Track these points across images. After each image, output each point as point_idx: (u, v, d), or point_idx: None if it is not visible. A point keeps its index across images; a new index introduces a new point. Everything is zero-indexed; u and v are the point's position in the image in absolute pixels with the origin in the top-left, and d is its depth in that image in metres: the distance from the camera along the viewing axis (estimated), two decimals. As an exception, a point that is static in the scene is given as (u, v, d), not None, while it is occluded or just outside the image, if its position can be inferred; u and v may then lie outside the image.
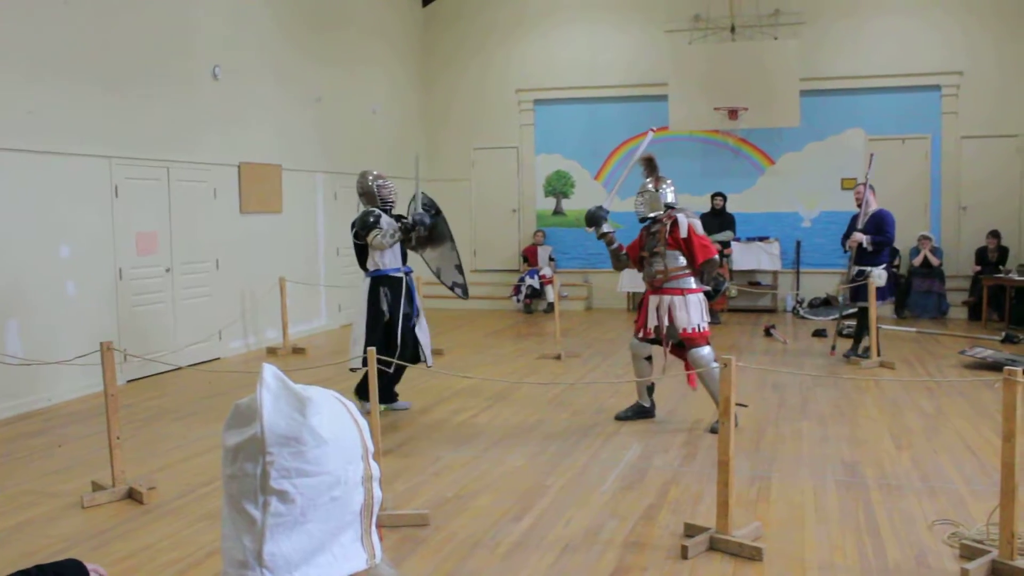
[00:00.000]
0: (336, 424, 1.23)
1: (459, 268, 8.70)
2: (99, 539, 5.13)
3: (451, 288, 8.70)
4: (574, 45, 16.02)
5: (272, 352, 11.41)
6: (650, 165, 7.79)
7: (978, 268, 14.07)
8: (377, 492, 1.31)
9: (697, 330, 7.28)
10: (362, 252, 8.06)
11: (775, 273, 15.22)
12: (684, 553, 4.72)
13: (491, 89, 16.53)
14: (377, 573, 1.29)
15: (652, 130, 8.36)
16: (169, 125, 10.25)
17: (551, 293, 14.55)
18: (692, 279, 7.40)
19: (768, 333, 12.44)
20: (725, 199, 14.78)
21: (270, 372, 1.23)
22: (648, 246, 7.57)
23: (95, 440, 6.99)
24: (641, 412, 7.76)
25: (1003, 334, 11.91)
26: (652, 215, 7.61)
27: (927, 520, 5.23)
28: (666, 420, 7.75)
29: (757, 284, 15.30)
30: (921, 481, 5.99)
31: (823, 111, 14.90)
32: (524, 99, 16.42)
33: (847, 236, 10.40)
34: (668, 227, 7.41)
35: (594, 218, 7.71)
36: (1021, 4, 14.23)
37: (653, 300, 7.46)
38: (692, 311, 7.31)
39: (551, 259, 15.97)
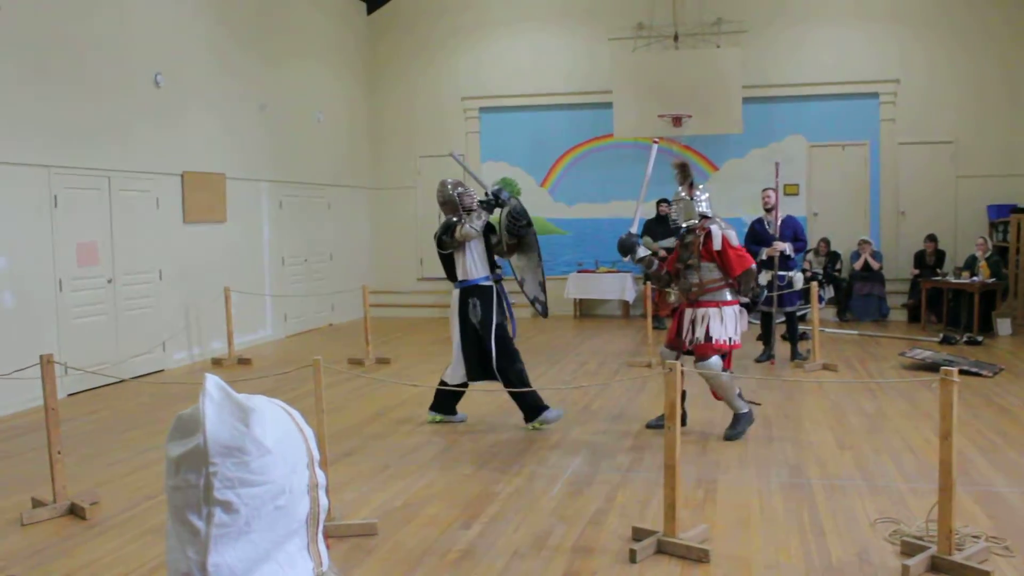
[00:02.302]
0: (280, 433, 1.23)
1: (542, 285, 8.23)
2: (40, 556, 5.02)
3: (532, 302, 8.22)
4: (519, 53, 16.07)
5: (217, 363, 11.28)
6: (684, 171, 7.51)
7: (916, 271, 14.37)
8: (323, 500, 1.31)
9: (720, 341, 7.05)
10: (448, 263, 7.84)
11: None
12: (632, 557, 4.75)
13: (437, 97, 16.52)
14: (324, 581, 1.30)
15: (656, 141, 8.08)
16: (110, 134, 10.10)
17: (499, 300, 14.56)
18: (728, 291, 7.19)
19: (713, 337, 12.54)
20: (671, 205, 14.95)
21: (213, 382, 1.23)
22: (683, 258, 7.37)
23: (35, 455, 6.85)
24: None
25: (941, 335, 12.17)
26: (686, 224, 7.42)
27: (869, 518, 5.33)
28: (612, 426, 7.80)
29: (702, 289, 15.44)
30: (863, 480, 6.10)
31: (765, 118, 15.12)
32: (470, 107, 16.43)
33: (756, 242, 10.57)
34: (702, 239, 7.21)
35: (627, 246, 7.46)
36: (955, 14, 14.58)
37: (688, 313, 7.25)
38: (728, 323, 7.10)
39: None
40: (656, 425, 7.38)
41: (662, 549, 4.84)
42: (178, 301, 11.32)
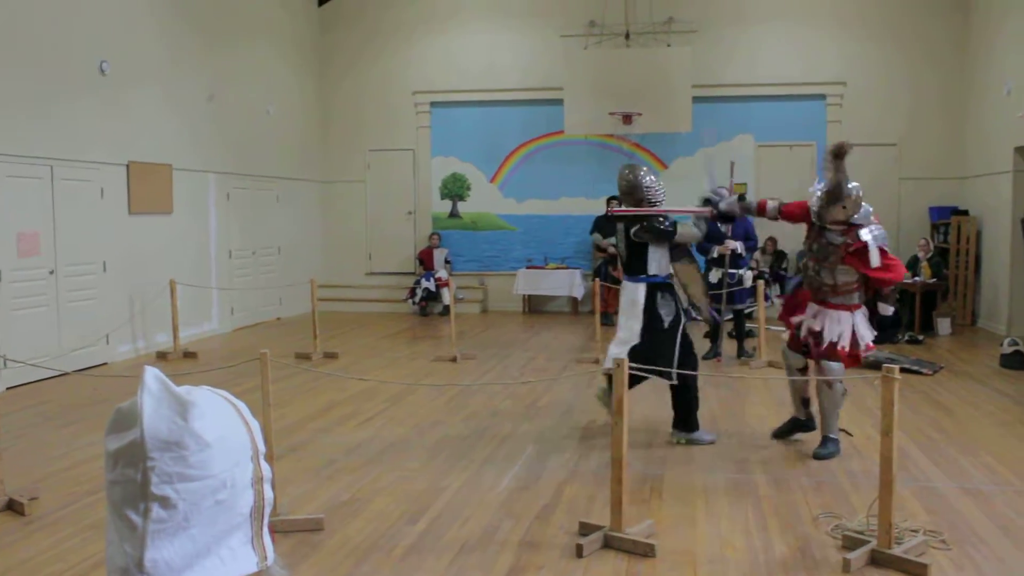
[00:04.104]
0: (222, 426, 1.22)
1: (707, 295, 7.86)
2: (-24, 552, 4.92)
3: (695, 307, 7.82)
4: (471, 48, 16.04)
5: (162, 356, 11.12)
6: (839, 155, 6.51)
7: (860, 271, 14.57)
8: (268, 493, 1.30)
9: (845, 348, 6.58)
10: (639, 253, 7.25)
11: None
12: (579, 551, 4.78)
13: (388, 91, 16.43)
14: (269, 575, 1.29)
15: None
16: (53, 122, 9.90)
17: (447, 295, 14.55)
18: (857, 295, 6.69)
19: (661, 334, 12.63)
20: (620, 203, 15.04)
21: (152, 375, 1.21)
22: (819, 253, 6.73)
23: (-28, 449, 6.70)
24: (798, 426, 7.11)
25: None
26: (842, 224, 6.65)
27: (812, 513, 5.41)
28: (560, 421, 7.82)
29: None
30: (806, 476, 6.18)
31: (714, 117, 15.25)
32: (421, 101, 16.37)
33: (708, 239, 10.60)
34: (852, 248, 6.57)
35: (728, 215, 7.37)
36: (901, 18, 14.83)
37: (810, 310, 6.80)
38: (860, 326, 6.68)
39: (447, 261, 15.96)
40: (782, 433, 7.14)
41: (608, 544, 4.87)
42: (122, 293, 11.14)
